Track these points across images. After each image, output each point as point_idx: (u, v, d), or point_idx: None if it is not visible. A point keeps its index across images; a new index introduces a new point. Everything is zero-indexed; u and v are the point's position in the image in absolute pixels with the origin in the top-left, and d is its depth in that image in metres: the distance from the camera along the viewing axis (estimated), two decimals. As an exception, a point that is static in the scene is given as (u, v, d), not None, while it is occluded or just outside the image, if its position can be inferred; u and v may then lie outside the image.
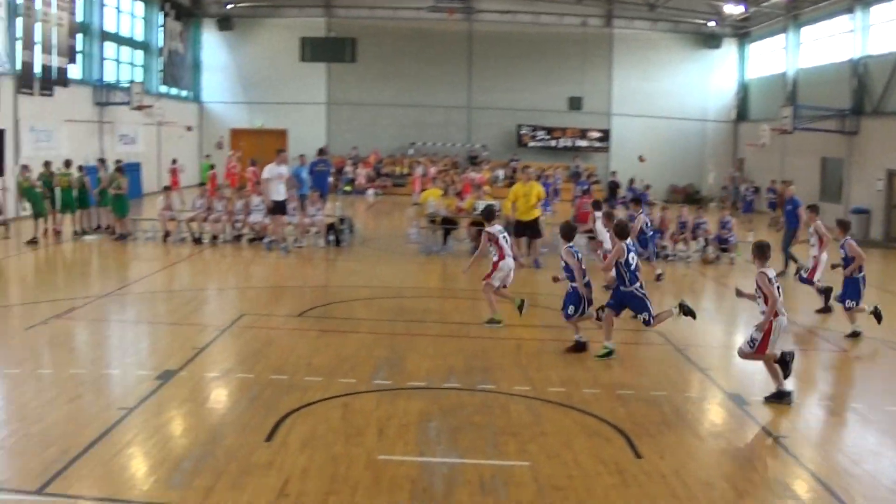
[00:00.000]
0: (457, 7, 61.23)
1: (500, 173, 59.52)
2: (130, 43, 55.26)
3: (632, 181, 47.20)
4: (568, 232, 17.66)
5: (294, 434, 11.93)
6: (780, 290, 14.18)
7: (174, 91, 61.65)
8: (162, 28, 58.57)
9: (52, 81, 41.70)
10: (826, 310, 22.04)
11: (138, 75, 55.43)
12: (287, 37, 64.95)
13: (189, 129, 59.12)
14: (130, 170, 41.95)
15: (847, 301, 19.83)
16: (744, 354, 14.40)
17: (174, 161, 50.20)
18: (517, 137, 64.21)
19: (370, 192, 59.27)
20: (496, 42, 63.95)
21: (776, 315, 14.05)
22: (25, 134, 39.69)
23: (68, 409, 12.93)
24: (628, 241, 16.82)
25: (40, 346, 17.12)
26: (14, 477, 10.41)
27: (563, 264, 17.20)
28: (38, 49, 40.27)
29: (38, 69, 40.37)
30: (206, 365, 15.64)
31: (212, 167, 51.59)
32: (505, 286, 19.53)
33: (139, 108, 49.77)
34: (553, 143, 64.04)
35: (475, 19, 63.58)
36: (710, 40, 63.59)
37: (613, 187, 49.68)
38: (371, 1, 63.70)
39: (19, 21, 38.81)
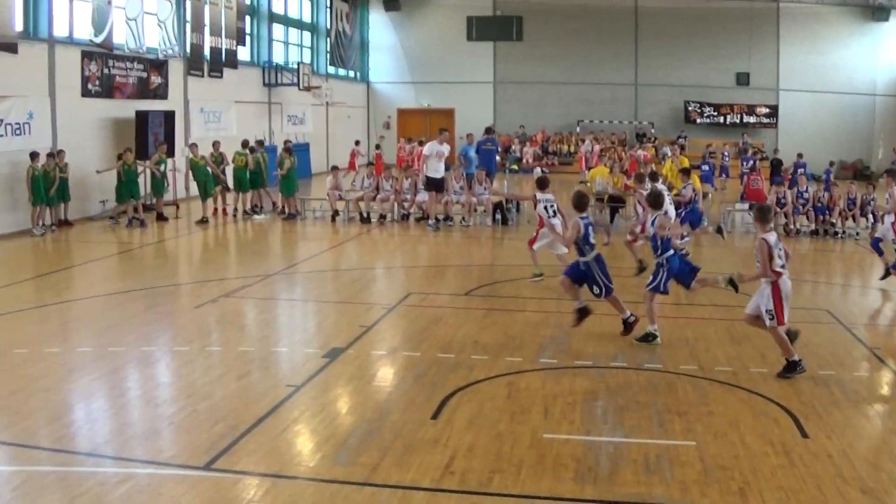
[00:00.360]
0: (623, -17, 60.59)
1: (667, 150, 58.68)
2: (298, 24, 55.95)
3: (800, 155, 46.14)
4: (580, 202, 16.51)
5: (460, 412, 11.93)
6: (783, 254, 13.79)
7: (342, 72, 62.21)
8: (329, 9, 59.11)
9: (221, 63, 42.38)
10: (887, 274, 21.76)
11: (306, 56, 56.10)
12: (454, 16, 65.08)
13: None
14: (299, 150, 42.42)
15: None
16: (774, 330, 13.93)
17: (357, 142, 50.64)
18: (685, 114, 63.36)
19: (537, 170, 58.81)
20: (662, 18, 63.02)
21: (778, 277, 13.70)
22: (195, 115, 40.41)
23: (237, 386, 13.16)
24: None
25: (209, 324, 17.45)
26: (182, 452, 10.60)
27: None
28: (206, 31, 40.95)
29: (207, 52, 41.07)
30: (373, 343, 15.77)
31: (378, 147, 51.89)
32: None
33: (307, 88, 50.32)
34: (720, 119, 63.07)
35: (641, -5, 62.92)
36: (878, 13, 61.73)
37: (777, 164, 48.72)
38: (537, -22, 63.54)
39: (188, 4, 39.49)
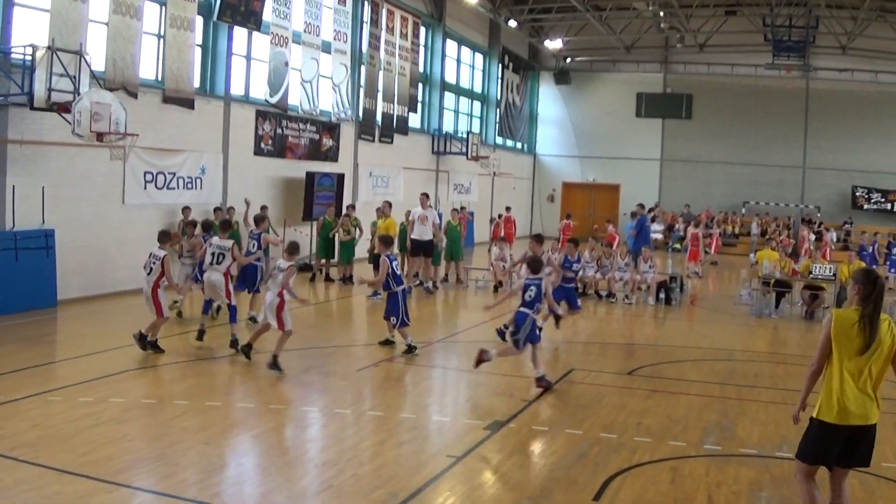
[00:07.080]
0: (794, 64, 59.98)
1: (833, 235, 57.74)
2: (469, 94, 56.57)
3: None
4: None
5: (622, 495, 11.69)
6: None
7: (509, 142, 62.66)
8: (500, 80, 59.60)
9: (392, 129, 42.95)
10: None
11: (475, 126, 56.60)
12: (623, 92, 65.34)
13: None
14: (464, 219, 42.79)
15: None
16: None
17: (508, 209, 50.59)
18: (851, 199, 62.31)
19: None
20: (834, 100, 62.16)
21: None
22: (364, 178, 40.93)
23: (397, 452, 13.15)
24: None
25: (371, 389, 17.55)
26: (341, 518, 10.60)
27: None
28: (379, 97, 41.57)
29: (378, 117, 41.64)
30: (535, 418, 15.64)
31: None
32: None
33: (475, 158, 50.70)
34: (888, 206, 61.80)
35: (813, 77, 62.07)
36: None
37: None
38: (709, 58, 63.26)
39: (363, 70, 40.14)
